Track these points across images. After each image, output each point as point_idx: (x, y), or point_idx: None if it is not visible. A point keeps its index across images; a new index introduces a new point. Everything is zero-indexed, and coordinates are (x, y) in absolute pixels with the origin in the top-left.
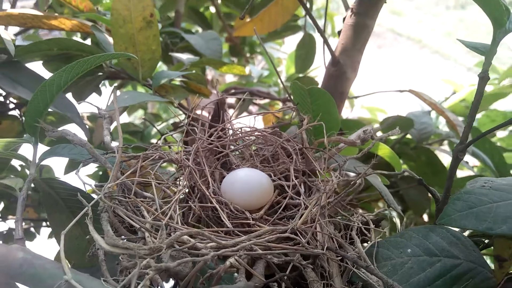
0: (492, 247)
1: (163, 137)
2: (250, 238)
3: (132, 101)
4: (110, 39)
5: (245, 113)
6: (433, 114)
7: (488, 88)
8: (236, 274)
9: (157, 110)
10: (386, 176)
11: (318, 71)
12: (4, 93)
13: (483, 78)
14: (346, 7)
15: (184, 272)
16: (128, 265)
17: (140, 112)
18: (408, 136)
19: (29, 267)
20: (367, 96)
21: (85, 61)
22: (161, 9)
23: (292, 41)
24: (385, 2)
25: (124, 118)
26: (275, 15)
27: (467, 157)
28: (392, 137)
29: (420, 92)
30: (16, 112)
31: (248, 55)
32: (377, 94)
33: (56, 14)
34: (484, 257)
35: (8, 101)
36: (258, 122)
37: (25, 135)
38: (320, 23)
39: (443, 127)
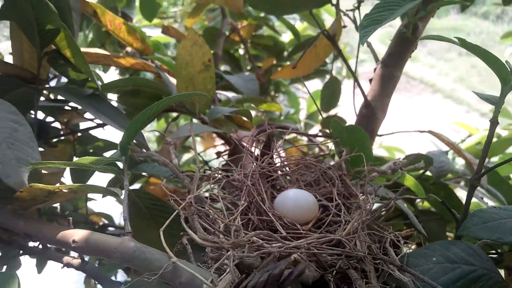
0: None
1: (220, 162)
2: (306, 241)
3: (198, 131)
4: (171, 78)
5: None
6: (449, 155)
7: (503, 133)
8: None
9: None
10: (411, 203)
11: (339, 109)
12: (61, 121)
13: (494, 123)
14: (376, 59)
15: (256, 264)
16: (213, 256)
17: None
18: (428, 173)
19: (140, 253)
20: (385, 136)
21: (165, 101)
22: None
23: (310, 83)
24: (410, 57)
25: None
26: (309, 61)
27: (485, 198)
28: (413, 173)
29: (438, 133)
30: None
31: (272, 93)
32: (392, 135)
33: (121, 54)
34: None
35: (63, 128)
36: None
37: (110, 155)
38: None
39: (459, 167)
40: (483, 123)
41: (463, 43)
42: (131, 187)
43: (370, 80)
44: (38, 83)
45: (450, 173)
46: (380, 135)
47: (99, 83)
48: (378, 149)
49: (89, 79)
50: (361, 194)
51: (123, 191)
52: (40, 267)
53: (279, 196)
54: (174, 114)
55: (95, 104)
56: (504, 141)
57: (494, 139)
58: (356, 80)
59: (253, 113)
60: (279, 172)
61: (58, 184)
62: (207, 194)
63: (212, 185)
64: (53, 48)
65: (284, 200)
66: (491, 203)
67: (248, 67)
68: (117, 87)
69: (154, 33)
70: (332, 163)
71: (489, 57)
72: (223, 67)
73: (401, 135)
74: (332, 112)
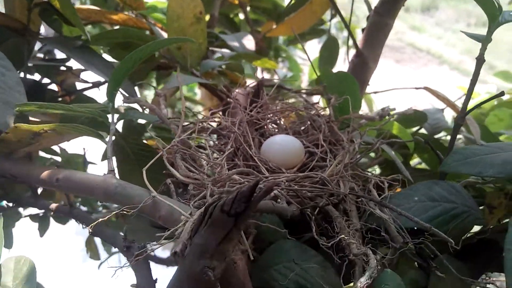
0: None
1: (211, 112)
2: (288, 177)
3: (186, 82)
4: (163, 33)
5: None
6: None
7: (506, 97)
8: (279, 200)
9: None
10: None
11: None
12: (58, 81)
13: (479, 60)
14: (369, 8)
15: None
16: (195, 193)
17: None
18: (422, 130)
19: (122, 189)
20: (383, 95)
21: (149, 46)
22: None
23: (312, 49)
24: (403, 5)
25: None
26: (304, 19)
27: None
28: (408, 130)
29: (434, 89)
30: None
31: (272, 58)
32: (393, 96)
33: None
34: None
35: (58, 90)
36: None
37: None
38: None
39: None
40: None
41: None
42: None
43: (363, 30)
44: (29, 34)
45: (445, 130)
46: (375, 92)
47: (88, 36)
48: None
49: (81, 35)
50: (347, 139)
51: (109, 134)
52: (42, 230)
53: (266, 142)
54: None
55: (85, 56)
56: (504, 104)
57: (494, 102)
58: (348, 28)
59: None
60: (268, 120)
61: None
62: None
63: (200, 133)
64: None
65: (270, 145)
66: None
67: (248, 31)
68: (108, 39)
69: None
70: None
71: None
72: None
73: (400, 96)
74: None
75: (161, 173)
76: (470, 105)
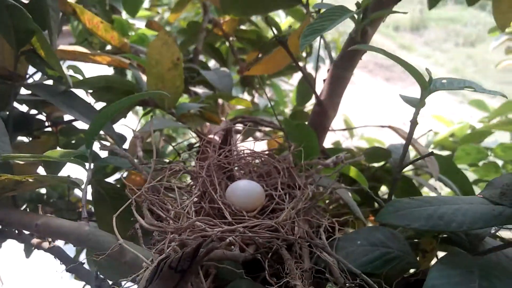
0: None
1: (182, 153)
2: (243, 226)
3: (162, 126)
4: (143, 76)
5: (250, 138)
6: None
7: (479, 126)
8: (232, 246)
9: (168, 132)
10: (356, 192)
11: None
12: (44, 114)
13: (413, 123)
14: (331, 59)
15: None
16: (159, 239)
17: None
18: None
19: (93, 236)
20: (365, 127)
21: (129, 98)
22: (181, 46)
23: (298, 75)
24: (361, 59)
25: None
26: (279, 58)
27: (439, 186)
28: (375, 165)
29: (397, 128)
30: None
31: (257, 86)
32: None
33: (99, 51)
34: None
35: (46, 120)
36: (262, 146)
37: (80, 148)
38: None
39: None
40: (477, 114)
41: (386, 54)
42: (113, 177)
43: (324, 80)
44: (15, 79)
45: (412, 165)
46: (332, 130)
47: (70, 81)
48: (359, 141)
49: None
50: (303, 184)
51: (85, 182)
52: (28, 252)
53: (230, 186)
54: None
55: (67, 101)
56: (477, 133)
57: (468, 131)
58: (308, 81)
59: (240, 105)
60: (234, 165)
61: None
62: (170, 183)
63: (173, 176)
64: (30, 47)
65: (234, 190)
66: (445, 191)
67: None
68: (90, 84)
69: (143, 25)
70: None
71: (409, 66)
72: (212, 62)
73: (384, 117)
74: (308, 105)
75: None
76: (438, 137)
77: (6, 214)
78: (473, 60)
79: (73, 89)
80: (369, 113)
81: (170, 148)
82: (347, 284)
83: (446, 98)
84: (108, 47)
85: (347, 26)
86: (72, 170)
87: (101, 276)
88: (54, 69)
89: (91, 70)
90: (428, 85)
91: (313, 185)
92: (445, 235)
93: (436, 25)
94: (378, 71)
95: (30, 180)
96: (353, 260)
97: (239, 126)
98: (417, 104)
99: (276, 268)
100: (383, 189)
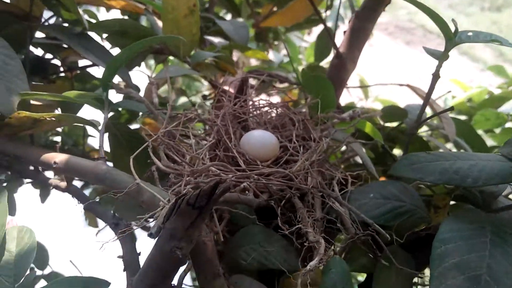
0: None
1: (198, 103)
2: (257, 173)
3: (177, 73)
4: (158, 22)
5: (264, 93)
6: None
7: (497, 92)
8: (247, 192)
9: (181, 85)
10: (371, 149)
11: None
12: (60, 58)
13: (435, 76)
14: (353, 11)
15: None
16: (175, 181)
17: (164, 87)
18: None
19: (110, 175)
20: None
21: (143, 42)
22: None
23: (315, 31)
24: (384, 10)
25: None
26: (299, 9)
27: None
28: (389, 124)
29: (416, 87)
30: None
31: (271, 41)
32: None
33: None
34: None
35: (61, 65)
36: (277, 101)
37: (96, 91)
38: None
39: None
40: (497, 82)
41: (412, 2)
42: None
43: (344, 32)
44: (31, 20)
45: (426, 125)
46: (348, 87)
47: (86, 23)
48: (374, 103)
49: None
50: (318, 137)
51: (102, 123)
52: (43, 197)
53: (244, 136)
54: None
55: (84, 43)
56: (496, 98)
57: (486, 96)
58: (328, 32)
59: (253, 60)
60: (249, 115)
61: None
62: (185, 130)
63: (188, 124)
64: None
65: (248, 139)
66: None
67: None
68: (105, 27)
69: None
70: (302, 109)
71: (434, 15)
72: (223, 13)
73: (400, 88)
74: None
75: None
76: (455, 101)
77: (25, 151)
78: (498, 25)
79: (89, 33)
80: (387, 76)
81: (181, 101)
82: (357, 234)
83: (467, 65)
84: None
85: None
86: (87, 117)
87: (118, 215)
88: (70, 10)
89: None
90: (453, 36)
91: (328, 138)
92: (458, 193)
93: None
94: (398, 34)
95: (48, 118)
96: (365, 212)
97: (254, 80)
98: (441, 56)
99: (288, 216)
100: (397, 152)
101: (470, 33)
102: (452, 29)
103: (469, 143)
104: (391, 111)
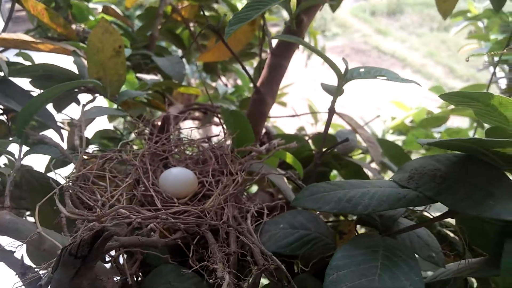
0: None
1: (120, 143)
2: (166, 212)
3: (98, 114)
4: (85, 63)
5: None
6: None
7: (437, 111)
8: (152, 233)
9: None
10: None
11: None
12: None
13: (331, 111)
14: (271, 49)
15: (121, 232)
16: (80, 226)
17: (121, 119)
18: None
19: (13, 224)
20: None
21: (63, 85)
22: (138, 32)
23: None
24: (298, 48)
25: (106, 124)
26: (231, 45)
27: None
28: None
29: (343, 113)
30: (3, 117)
31: (219, 72)
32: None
33: (45, 38)
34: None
35: None
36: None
37: (11, 138)
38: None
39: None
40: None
41: (306, 45)
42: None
43: (262, 68)
44: None
45: (356, 149)
46: (270, 117)
47: (6, 69)
48: (323, 126)
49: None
50: (235, 171)
51: (12, 171)
52: None
53: (163, 174)
54: None
55: (4, 89)
56: (433, 119)
57: (425, 116)
58: (244, 69)
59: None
60: (168, 152)
61: None
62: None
63: (108, 164)
64: None
65: (166, 177)
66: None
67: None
68: (28, 72)
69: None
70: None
71: (327, 59)
72: (173, 47)
73: (359, 111)
74: None
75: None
76: (395, 122)
77: None
78: (447, 44)
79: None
80: (344, 97)
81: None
82: (264, 265)
83: (420, 83)
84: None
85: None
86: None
87: (26, 264)
88: None
89: (51, 58)
90: (343, 75)
91: (244, 171)
92: (361, 218)
93: (412, 10)
94: (354, 56)
95: None
96: (274, 242)
97: (198, 113)
98: (335, 92)
99: (201, 253)
100: (333, 174)
101: (362, 70)
102: (342, 69)
103: (399, 163)
104: (320, 138)
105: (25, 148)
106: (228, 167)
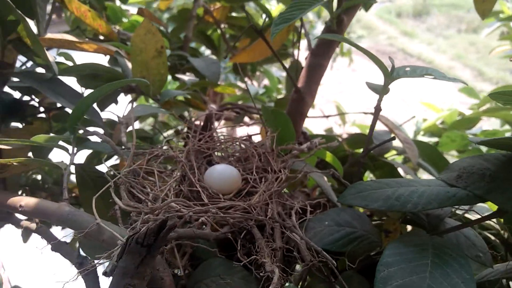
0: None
1: (165, 140)
2: (217, 207)
3: (144, 112)
4: (128, 63)
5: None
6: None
7: (468, 112)
8: (204, 226)
9: (166, 118)
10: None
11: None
12: (37, 99)
13: (377, 110)
14: (310, 49)
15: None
16: (135, 219)
17: (150, 120)
18: None
19: (72, 216)
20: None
21: (112, 84)
22: (172, 33)
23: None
24: (338, 47)
25: (136, 125)
26: (264, 46)
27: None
28: (358, 151)
29: (380, 115)
30: (45, 115)
31: (249, 73)
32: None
33: (87, 38)
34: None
35: (39, 106)
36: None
37: (64, 134)
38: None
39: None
40: (475, 101)
41: (348, 42)
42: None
43: (302, 68)
44: (3, 67)
45: (392, 150)
46: (324, 116)
47: (56, 68)
48: (351, 127)
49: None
50: (278, 168)
51: (67, 166)
52: (25, 237)
53: (208, 170)
54: None
55: (54, 88)
56: (465, 120)
57: (458, 118)
58: (285, 68)
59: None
60: (213, 150)
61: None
62: (151, 167)
63: (155, 161)
64: (18, 36)
65: (211, 174)
66: (425, 176)
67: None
68: (76, 71)
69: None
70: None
71: (372, 56)
72: (202, 48)
73: (387, 113)
74: None
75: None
76: (427, 124)
77: None
78: (476, 46)
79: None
80: (370, 100)
81: (166, 133)
82: (312, 261)
83: (447, 86)
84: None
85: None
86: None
87: (83, 254)
88: (40, 56)
89: (88, 58)
90: (390, 73)
91: (287, 169)
92: (407, 217)
93: (439, 11)
94: (381, 58)
95: (15, 163)
96: (320, 239)
97: (223, 112)
98: (381, 91)
99: (248, 247)
100: (367, 175)
101: (407, 69)
102: (389, 67)
103: (435, 165)
104: (356, 139)
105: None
106: (271, 165)
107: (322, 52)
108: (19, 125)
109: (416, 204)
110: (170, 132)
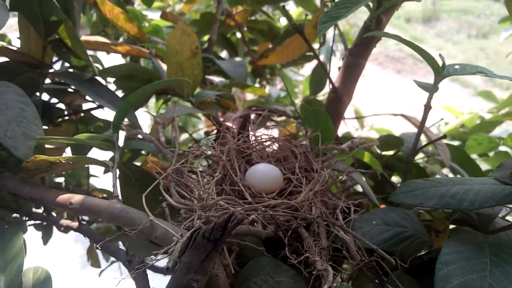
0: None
1: (202, 139)
2: (263, 205)
3: (183, 112)
4: (161, 64)
5: (263, 127)
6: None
7: (488, 116)
8: (255, 224)
9: (178, 124)
10: (370, 178)
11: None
12: (65, 103)
13: (427, 108)
14: (346, 49)
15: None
16: (186, 216)
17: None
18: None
19: (125, 213)
20: (378, 117)
21: (155, 84)
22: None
23: (308, 65)
24: (375, 47)
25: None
26: (294, 48)
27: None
28: (386, 153)
29: (410, 116)
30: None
31: (268, 76)
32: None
33: (121, 38)
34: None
35: (66, 109)
36: (275, 134)
37: (105, 133)
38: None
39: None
40: (487, 108)
41: (400, 40)
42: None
43: (339, 68)
44: (43, 68)
45: (422, 152)
46: (345, 118)
47: (96, 70)
48: (369, 132)
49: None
50: (320, 168)
51: (114, 163)
52: (46, 238)
53: (249, 169)
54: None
55: (93, 88)
56: (486, 123)
57: (478, 121)
58: (324, 68)
59: (249, 95)
60: (252, 149)
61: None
62: (192, 166)
63: (196, 160)
64: (57, 37)
65: (253, 173)
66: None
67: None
68: (114, 72)
69: (157, 16)
70: (303, 142)
71: (423, 52)
72: (224, 53)
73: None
74: (320, 95)
75: (160, 195)
76: (448, 127)
77: (40, 193)
78: (486, 52)
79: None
80: (380, 105)
81: (182, 137)
82: (363, 261)
83: (458, 91)
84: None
85: (358, 18)
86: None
87: (130, 252)
88: (81, 58)
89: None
90: (441, 70)
91: (329, 169)
92: (456, 216)
93: (448, 17)
94: (389, 64)
95: (63, 161)
96: (369, 239)
97: (253, 114)
98: (431, 89)
99: (295, 246)
100: (395, 179)
101: (457, 66)
102: (440, 63)
103: (464, 167)
104: (387, 140)
105: None
106: (312, 164)
107: (360, 52)
108: (46, 127)
109: (473, 202)
110: (185, 136)
